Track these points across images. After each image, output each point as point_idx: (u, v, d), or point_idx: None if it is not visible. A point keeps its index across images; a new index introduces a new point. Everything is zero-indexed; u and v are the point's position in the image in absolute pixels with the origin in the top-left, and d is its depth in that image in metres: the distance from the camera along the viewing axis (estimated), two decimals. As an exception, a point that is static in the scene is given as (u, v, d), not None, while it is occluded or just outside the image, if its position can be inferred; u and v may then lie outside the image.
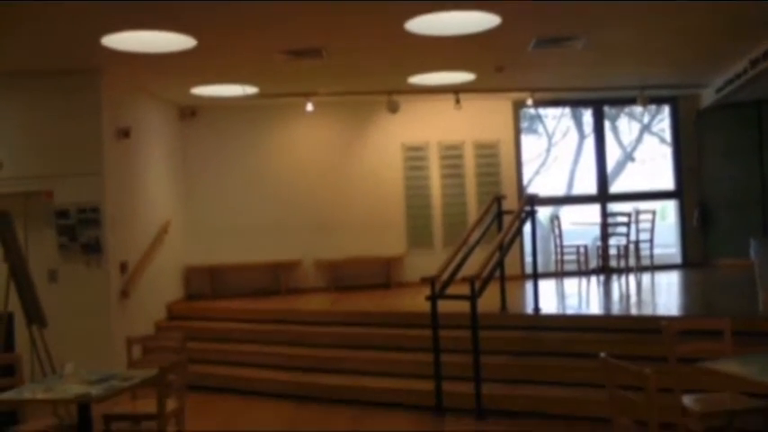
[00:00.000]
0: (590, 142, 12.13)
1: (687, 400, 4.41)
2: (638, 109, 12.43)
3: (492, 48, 7.49)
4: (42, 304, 6.18)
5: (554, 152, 14.58)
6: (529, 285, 8.72)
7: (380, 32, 6.73)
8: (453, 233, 10.42)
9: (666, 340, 4.55)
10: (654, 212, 10.59)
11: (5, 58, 7.01)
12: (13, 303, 6.02)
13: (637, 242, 10.43)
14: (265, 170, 10.56)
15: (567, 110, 13.34)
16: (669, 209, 12.20)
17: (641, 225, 10.52)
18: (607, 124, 12.71)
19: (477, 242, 7.63)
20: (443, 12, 6.11)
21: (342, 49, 7.33)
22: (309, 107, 9.98)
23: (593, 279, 10.21)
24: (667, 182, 11.77)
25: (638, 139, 14.69)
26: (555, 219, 10.80)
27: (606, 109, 12.04)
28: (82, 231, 7.60)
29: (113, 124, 7.94)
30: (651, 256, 10.57)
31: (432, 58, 7.92)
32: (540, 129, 14.62)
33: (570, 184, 14.16)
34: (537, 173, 14.19)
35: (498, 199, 8.06)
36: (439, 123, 10.83)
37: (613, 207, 11.53)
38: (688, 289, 9.48)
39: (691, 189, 11.37)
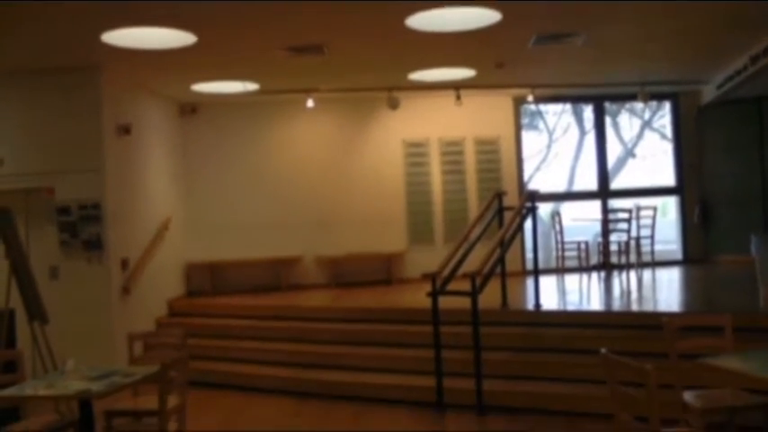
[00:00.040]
0: (591, 138, 12.11)
1: (688, 396, 4.41)
2: (638, 105, 12.40)
3: (492, 44, 7.48)
4: (43, 301, 6.19)
5: (555, 148, 14.54)
6: (530, 282, 8.72)
7: (381, 29, 6.73)
8: (454, 229, 10.42)
9: (667, 336, 4.55)
10: (655, 209, 10.59)
11: (6, 56, 7.01)
12: (14, 300, 6.03)
13: (637, 238, 10.42)
14: (266, 167, 10.56)
15: (568, 106, 13.31)
16: (670, 205, 12.20)
17: (642, 221, 10.52)
18: (608, 120, 12.68)
19: (478, 238, 7.63)
20: (444, 8, 6.11)
21: (342, 46, 7.32)
22: (310, 103, 9.97)
23: (594, 275, 10.20)
24: (668, 178, 11.77)
25: (639, 136, 14.65)
26: (556, 215, 10.79)
27: (607, 105, 12.03)
28: (83, 228, 7.60)
29: (114, 121, 7.94)
30: (652, 252, 10.57)
31: (432, 54, 7.91)
32: (541, 125, 14.59)
33: (571, 181, 14.13)
34: (538, 169, 14.16)
35: (499, 195, 8.06)
36: (439, 120, 10.82)
37: (614, 203, 11.53)
38: (689, 285, 9.48)
39: (691, 185, 11.37)
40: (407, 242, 10.78)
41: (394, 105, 9.93)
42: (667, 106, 11.94)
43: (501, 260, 7.25)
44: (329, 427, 6.09)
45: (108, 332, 7.53)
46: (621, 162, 14.46)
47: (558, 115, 14.32)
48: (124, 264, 7.97)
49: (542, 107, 13.22)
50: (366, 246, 10.59)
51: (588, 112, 12.67)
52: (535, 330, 7.03)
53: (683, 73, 9.95)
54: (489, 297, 6.84)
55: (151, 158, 9.10)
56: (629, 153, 14.64)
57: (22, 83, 7.66)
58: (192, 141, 10.38)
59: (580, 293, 8.79)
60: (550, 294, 8.60)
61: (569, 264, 10.47)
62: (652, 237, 10.49)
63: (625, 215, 10.23)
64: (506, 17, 6.35)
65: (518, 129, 11.20)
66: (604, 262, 10.57)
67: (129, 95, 8.47)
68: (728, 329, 4.54)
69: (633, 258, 10.39)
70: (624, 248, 10.26)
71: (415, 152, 10.85)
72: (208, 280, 10.21)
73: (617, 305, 7.87)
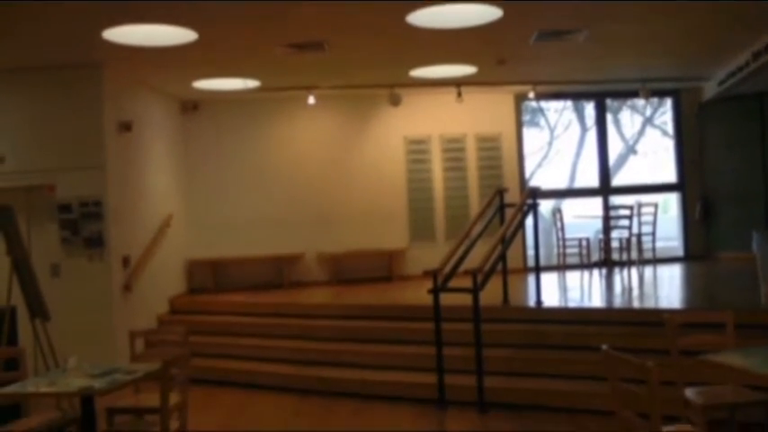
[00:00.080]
0: (592, 135, 12.09)
1: (689, 392, 4.40)
2: (640, 102, 12.38)
3: (493, 41, 7.47)
4: (45, 298, 6.19)
5: (556, 145, 14.52)
6: (531, 278, 8.71)
7: (382, 25, 6.72)
8: (455, 226, 10.42)
9: (669, 333, 4.55)
10: (656, 205, 10.59)
11: (7, 53, 7.00)
12: (15, 297, 6.03)
13: (639, 235, 10.42)
14: (267, 163, 10.55)
15: (569, 103, 13.29)
16: (671, 202, 12.18)
17: (643, 218, 10.51)
18: (609, 117, 12.67)
19: (480, 235, 7.63)
20: (445, 5, 6.10)
21: (343, 43, 7.31)
22: (311, 100, 9.97)
23: (596, 272, 10.21)
24: (669, 175, 11.76)
25: (641, 132, 14.63)
26: (557, 212, 10.79)
27: (608, 102, 12.02)
28: (84, 225, 7.60)
29: (115, 118, 7.94)
30: (653, 248, 10.58)
31: (433, 51, 7.90)
32: (542, 122, 14.57)
33: (572, 177, 14.11)
34: (539, 166, 14.15)
35: (500, 192, 8.05)
36: (441, 116, 10.82)
37: (615, 200, 11.52)
38: (690, 282, 9.48)
39: (693, 182, 11.36)
40: (409, 239, 10.78)
41: (395, 102, 9.92)
42: (669, 103, 11.93)
43: (502, 257, 7.24)
44: (330, 424, 6.09)
45: (109, 329, 7.53)
46: (623, 159, 14.45)
47: (559, 112, 14.30)
48: (125, 261, 7.98)
49: (543, 104, 13.21)
50: (367, 243, 10.59)
51: (589, 108, 12.65)
52: (536, 327, 7.03)
53: (684, 69, 9.94)
54: (490, 294, 6.84)
55: (152, 156, 9.10)
56: (631, 150, 14.63)
57: (23, 80, 7.66)
58: (193, 138, 10.38)
59: (581, 290, 8.79)
60: (552, 291, 8.60)
61: (570, 261, 10.48)
62: (653, 233, 10.49)
63: (626, 212, 10.23)
64: (508, 14, 6.34)
65: (519, 126, 11.19)
66: (605, 259, 10.57)
67: (130, 92, 8.47)
68: (730, 326, 4.54)
69: (634, 255, 10.40)
70: (625, 245, 10.26)
71: (417, 149, 10.85)
72: (209, 277, 10.21)
73: (618, 302, 7.87)
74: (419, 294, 7.59)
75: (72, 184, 7.59)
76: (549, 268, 10.49)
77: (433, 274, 6.39)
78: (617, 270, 10.25)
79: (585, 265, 10.45)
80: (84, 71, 7.58)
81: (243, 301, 9.27)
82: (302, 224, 10.54)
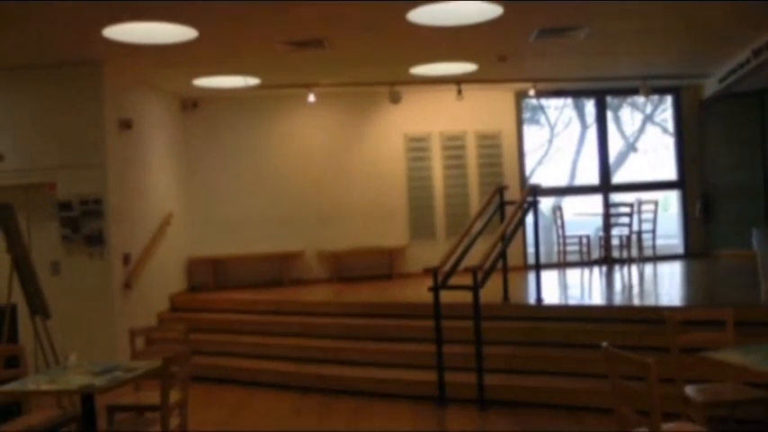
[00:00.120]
0: (592, 132, 12.09)
1: (689, 390, 4.41)
2: (640, 99, 12.37)
3: (494, 38, 7.46)
4: (45, 296, 6.19)
5: (556, 142, 14.54)
6: (531, 276, 8.71)
7: (382, 23, 6.71)
8: (456, 224, 10.43)
9: (669, 330, 4.55)
10: (656, 203, 10.58)
11: (7, 51, 6.99)
12: (16, 295, 6.03)
13: (639, 232, 10.42)
14: (267, 161, 10.55)
15: (570, 100, 13.30)
16: (671, 199, 12.19)
17: (643, 215, 10.50)
18: (609, 114, 12.68)
19: (480, 233, 7.63)
20: (445, 2, 6.09)
21: (344, 40, 7.31)
22: (311, 98, 9.96)
23: (596, 269, 10.21)
24: (670, 172, 11.75)
25: (641, 130, 14.65)
26: (557, 209, 10.78)
27: (609, 99, 12.02)
28: (85, 223, 7.61)
29: (115, 116, 7.94)
30: (653, 246, 10.57)
31: (434, 48, 7.89)
32: (543, 119, 14.58)
33: (572, 175, 14.12)
34: (539, 163, 14.16)
35: (501, 189, 8.05)
36: (441, 114, 10.81)
37: (616, 197, 11.51)
38: (690, 279, 9.48)
39: (693, 179, 11.36)
40: (409, 237, 10.78)
41: (395, 100, 9.92)
42: (669, 100, 11.91)
43: (502, 255, 7.24)
44: (331, 422, 6.09)
45: (110, 327, 7.54)
46: (623, 156, 14.46)
47: (559, 109, 14.31)
48: (126, 259, 7.98)
49: (544, 101, 13.22)
50: (367, 240, 10.59)
51: (590, 106, 12.65)
52: (536, 325, 7.03)
53: (684, 67, 9.93)
54: (491, 291, 6.84)
55: (153, 153, 9.10)
56: (631, 147, 14.64)
57: (23, 78, 7.65)
58: (193, 136, 10.37)
59: (581, 288, 8.79)
60: (552, 289, 8.60)
61: (571, 258, 10.48)
62: (653, 231, 10.48)
63: (626, 209, 10.22)
64: (508, 11, 6.33)
65: (520, 123, 11.18)
66: (606, 256, 10.57)
67: (130, 90, 8.47)
68: (730, 323, 4.54)
69: (635, 252, 10.39)
70: (625, 243, 10.26)
71: (417, 146, 10.84)
72: (209, 275, 10.22)
73: (618, 299, 7.87)
74: (419, 292, 7.60)
75: (72, 182, 7.60)
76: (550, 266, 10.50)
77: (433, 271, 6.39)
78: (617, 267, 10.25)
79: (586, 263, 10.45)
80: (84, 69, 7.57)
81: (243, 298, 9.27)
82: (302, 222, 10.54)
